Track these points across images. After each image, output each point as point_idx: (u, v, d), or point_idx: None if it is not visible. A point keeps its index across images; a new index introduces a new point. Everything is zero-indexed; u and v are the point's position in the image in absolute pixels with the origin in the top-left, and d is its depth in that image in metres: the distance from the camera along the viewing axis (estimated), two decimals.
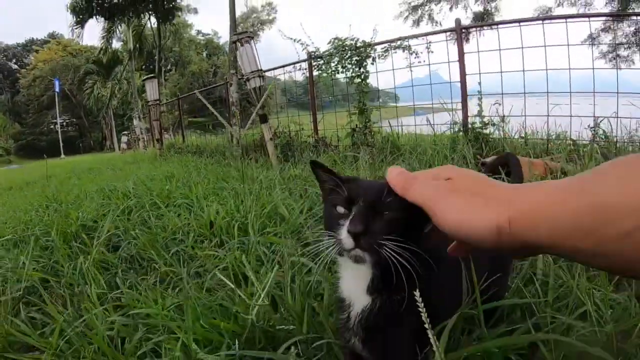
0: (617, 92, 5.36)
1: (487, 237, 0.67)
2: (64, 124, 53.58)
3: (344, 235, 0.87)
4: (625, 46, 15.71)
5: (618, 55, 16.00)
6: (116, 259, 2.51)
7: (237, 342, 1.21)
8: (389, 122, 6.80)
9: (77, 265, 2.36)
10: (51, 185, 6.88)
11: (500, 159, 3.43)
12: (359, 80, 6.51)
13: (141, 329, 1.53)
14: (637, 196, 0.52)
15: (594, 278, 1.65)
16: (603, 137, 5.21)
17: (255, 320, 1.30)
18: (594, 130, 5.25)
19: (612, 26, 14.20)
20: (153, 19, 20.02)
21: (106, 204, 3.85)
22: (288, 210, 2.71)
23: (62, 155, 37.00)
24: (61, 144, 40.52)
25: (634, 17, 14.33)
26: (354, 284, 1.04)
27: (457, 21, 6.34)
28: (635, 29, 14.81)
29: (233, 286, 1.49)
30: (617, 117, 5.26)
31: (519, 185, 0.71)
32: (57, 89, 44.02)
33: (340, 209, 0.92)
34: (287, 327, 1.25)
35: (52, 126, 52.02)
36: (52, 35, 56.71)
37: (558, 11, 17.93)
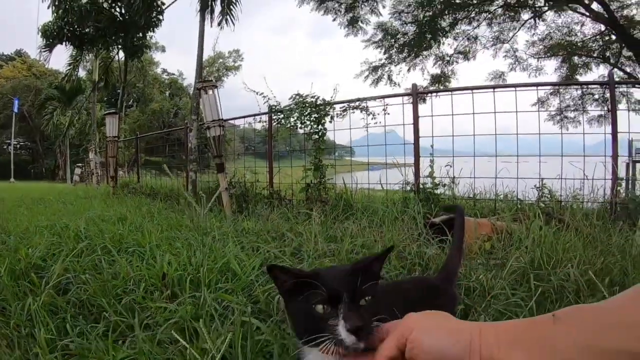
0: (562, 155, 5.76)
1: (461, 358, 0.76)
2: (18, 146, 52.07)
3: (343, 334, 0.87)
4: (572, 109, 16.69)
5: (565, 117, 16.98)
6: (65, 303, 2.52)
7: None
8: (343, 179, 6.99)
9: (26, 306, 2.36)
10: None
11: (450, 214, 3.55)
12: (317, 136, 6.70)
13: None
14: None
15: None
16: (548, 196, 5.57)
17: None
18: (540, 190, 5.59)
19: (560, 90, 15.10)
20: (121, 54, 20.00)
21: (57, 243, 3.83)
22: (240, 266, 2.81)
23: (12, 179, 35.82)
24: (12, 167, 39.22)
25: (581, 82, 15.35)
26: None
27: (414, 86, 6.71)
28: (581, 93, 15.77)
29: (186, 344, 1.56)
30: (561, 179, 5.66)
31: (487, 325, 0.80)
32: (15, 109, 42.79)
33: (323, 308, 0.92)
34: None
35: (5, 147, 50.42)
36: (18, 53, 55.57)
37: (511, 75, 18.98)
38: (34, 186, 18.69)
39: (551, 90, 17.00)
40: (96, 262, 3.21)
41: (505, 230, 3.82)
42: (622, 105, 14.82)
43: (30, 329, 2.16)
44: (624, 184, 5.90)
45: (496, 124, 6.23)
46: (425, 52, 19.73)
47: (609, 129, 5.85)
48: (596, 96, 16.45)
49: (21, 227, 4.86)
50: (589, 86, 15.51)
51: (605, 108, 14.89)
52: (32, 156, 53.98)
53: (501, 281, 2.60)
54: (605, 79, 11.32)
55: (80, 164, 28.95)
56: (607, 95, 12.05)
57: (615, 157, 5.61)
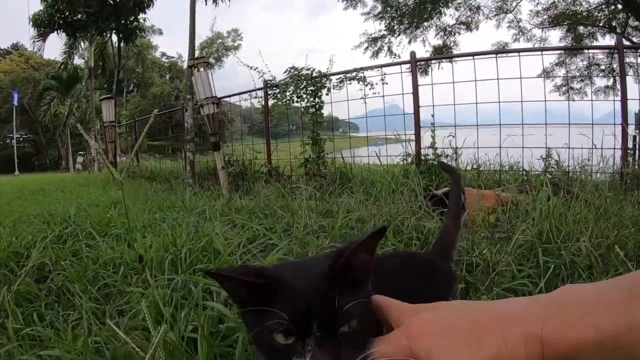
0: (569, 124, 5.52)
1: None
2: (21, 139, 52.16)
3: None
4: (578, 79, 16.34)
5: (571, 88, 16.62)
6: (42, 291, 2.41)
7: None
8: (341, 153, 6.83)
9: (0, 296, 2.25)
10: None
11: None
12: (314, 110, 6.54)
13: None
14: None
15: None
16: (555, 167, 5.30)
17: None
18: (546, 161, 5.33)
19: (565, 60, 14.81)
20: (115, 38, 19.83)
21: (43, 230, 3.72)
22: (225, 244, 2.66)
23: (17, 172, 35.91)
24: (16, 160, 39.31)
25: (587, 52, 14.96)
26: None
27: (412, 54, 6.47)
28: (587, 63, 15.43)
29: (124, 337, 1.41)
30: (569, 148, 5.38)
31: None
32: (15, 102, 42.71)
33: (283, 339, 0.67)
34: None
35: (7, 141, 50.54)
36: (15, 47, 55.34)
37: (514, 47, 18.58)
38: (37, 178, 18.66)
39: (556, 61, 16.63)
40: (77, 248, 3.08)
41: (511, 202, 3.64)
42: (628, 78, 14.44)
43: (3, 320, 2.04)
44: (636, 154, 5.65)
45: (499, 92, 5.98)
46: (426, 23, 19.40)
47: (617, 99, 5.58)
48: (602, 67, 16.04)
49: (13, 217, 4.75)
50: (596, 57, 15.12)
51: (612, 79, 14.64)
52: (35, 148, 54.03)
53: (506, 256, 2.39)
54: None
55: (82, 152, 28.97)
56: (615, 65, 11.78)
57: (625, 124, 5.36)
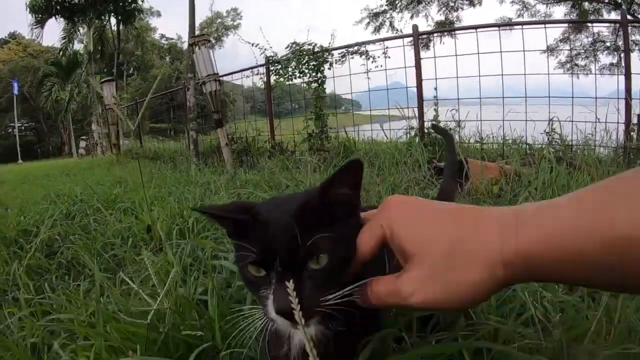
0: (572, 97, 5.48)
1: (477, 300, 0.61)
2: (22, 128, 52.08)
3: (272, 314, 0.69)
4: (583, 56, 16.16)
5: (576, 65, 16.42)
6: (53, 265, 2.43)
7: (137, 348, 1.15)
8: (345, 129, 6.81)
9: (11, 271, 2.27)
10: (2, 191, 6.68)
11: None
12: (316, 85, 6.51)
13: (62, 336, 1.47)
14: None
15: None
16: (558, 140, 5.27)
17: (167, 326, 1.25)
18: (549, 134, 5.31)
19: (570, 37, 14.63)
20: (114, 21, 19.67)
21: (50, 209, 3.74)
22: None
23: (20, 161, 35.91)
24: (19, 149, 39.32)
25: (592, 29, 14.79)
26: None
27: (415, 27, 6.41)
28: (592, 39, 15.26)
29: (134, 285, 1.41)
30: (572, 121, 5.34)
31: (510, 218, 0.59)
32: (15, 91, 42.52)
33: (255, 271, 0.72)
34: (193, 333, 1.20)
35: (9, 130, 50.48)
36: (12, 35, 54.97)
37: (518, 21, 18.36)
38: (40, 165, 18.70)
39: (561, 37, 16.42)
40: (86, 223, 3.10)
41: (514, 173, 3.62)
42: (633, 55, 14.23)
43: (15, 293, 2.06)
44: (637, 129, 5.59)
45: (502, 65, 5.91)
46: None
47: (621, 78, 5.51)
48: (608, 44, 15.83)
49: (19, 200, 4.77)
50: (601, 34, 14.90)
51: (617, 56, 14.44)
52: (37, 136, 53.92)
53: None
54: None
55: (84, 137, 28.97)
56: (620, 43, 11.60)
57: (629, 97, 5.30)
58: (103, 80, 11.13)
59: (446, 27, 19.10)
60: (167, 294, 1.33)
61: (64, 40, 25.34)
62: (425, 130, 5.85)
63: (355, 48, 6.65)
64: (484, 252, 0.58)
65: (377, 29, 19.91)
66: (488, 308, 1.35)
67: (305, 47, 6.64)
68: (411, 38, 6.35)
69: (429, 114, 6.03)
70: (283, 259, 0.68)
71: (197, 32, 7.17)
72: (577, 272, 0.53)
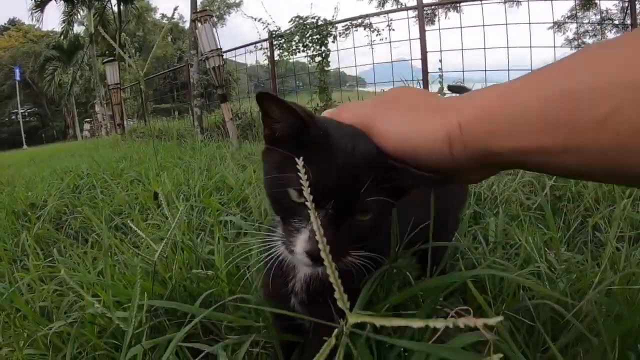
0: None
1: (437, 150, 0.59)
2: (26, 113, 52.02)
3: (298, 249, 0.65)
4: (591, 34, 15.94)
5: (583, 43, 16.20)
6: (61, 235, 2.43)
7: (145, 296, 1.15)
8: (349, 100, 6.78)
9: (21, 241, 2.28)
10: (8, 172, 6.71)
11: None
12: (320, 59, 6.47)
13: (71, 296, 1.47)
14: (612, 76, 0.46)
15: (548, 242, 1.59)
16: None
17: (173, 277, 1.25)
18: None
19: (577, 14, 14.40)
20: (114, 1, 19.53)
21: (58, 184, 3.74)
22: (237, 181, 2.66)
23: (25, 146, 35.98)
24: (23, 135, 39.39)
25: (599, 3, 14.56)
26: None
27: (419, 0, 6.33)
28: (600, 17, 15.04)
29: (140, 232, 1.41)
30: None
31: (468, 93, 0.64)
32: (17, 77, 42.48)
33: (295, 196, 0.66)
34: (202, 273, 1.20)
35: (13, 117, 50.49)
36: (12, 22, 54.71)
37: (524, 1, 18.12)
38: (45, 149, 18.74)
39: (568, 14, 16.19)
40: (93, 195, 3.10)
41: None
42: None
43: (25, 261, 2.07)
44: None
45: (508, 38, 5.83)
46: None
47: None
48: (616, 21, 15.58)
49: (26, 178, 4.79)
50: (609, 11, 14.65)
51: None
52: (41, 121, 53.85)
53: (514, 187, 2.37)
54: None
55: (88, 119, 28.94)
56: (628, 21, 11.40)
57: None
58: (105, 60, 11.08)
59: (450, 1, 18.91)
60: (174, 245, 1.32)
61: (64, 24, 25.20)
62: None
63: (360, 21, 6.60)
64: (441, 111, 0.61)
65: (382, 3, 19.76)
66: (493, 261, 1.35)
67: (309, 20, 6.59)
68: (415, 11, 6.28)
69: (433, 88, 5.98)
70: (340, 202, 0.64)
71: (199, 9, 7.11)
72: (526, 130, 0.52)
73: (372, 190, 0.64)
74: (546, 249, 1.46)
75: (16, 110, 47.09)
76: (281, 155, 0.68)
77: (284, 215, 0.70)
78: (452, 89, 1.68)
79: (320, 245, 0.57)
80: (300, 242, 0.65)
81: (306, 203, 0.59)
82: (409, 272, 1.15)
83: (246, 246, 1.47)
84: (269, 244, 0.75)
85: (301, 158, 0.60)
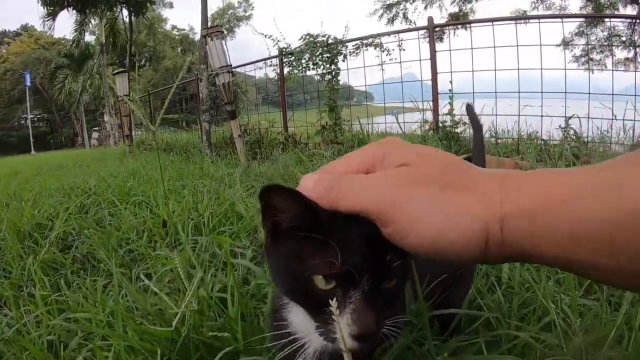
0: (589, 93, 5.40)
1: (472, 247, 0.50)
2: (35, 119, 52.38)
3: (344, 334, 0.60)
4: (598, 50, 15.95)
5: (591, 59, 16.18)
6: (68, 259, 2.41)
7: (158, 351, 1.13)
8: (359, 120, 6.76)
9: (26, 266, 2.26)
10: (16, 182, 6.71)
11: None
12: (330, 77, 6.47)
13: (80, 334, 1.45)
14: None
15: (562, 281, 1.55)
16: (574, 136, 5.16)
17: (187, 328, 1.23)
18: (565, 130, 5.20)
19: (585, 30, 14.39)
20: (126, 12, 19.67)
21: (64, 202, 3.73)
22: (246, 209, 2.63)
23: (33, 152, 36.20)
24: (32, 140, 39.66)
25: (607, 22, 14.56)
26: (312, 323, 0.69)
27: (430, 19, 6.35)
28: (608, 33, 15.04)
29: (158, 291, 1.39)
30: (589, 118, 5.26)
31: (514, 171, 0.53)
32: (28, 83, 42.80)
33: (323, 284, 0.61)
34: (217, 334, 1.17)
35: (22, 121, 50.83)
36: (24, 28, 55.26)
37: (533, 14, 18.19)
38: (53, 155, 18.83)
39: (576, 31, 16.19)
40: (100, 216, 3.09)
41: (530, 169, 3.57)
42: None
43: (31, 288, 2.05)
44: None
45: (519, 59, 5.81)
46: None
47: (637, 74, 5.41)
48: (623, 38, 15.58)
49: (33, 192, 4.78)
50: (617, 27, 14.66)
51: (633, 50, 14.22)
52: (50, 127, 54.18)
53: None
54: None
55: (97, 128, 29.18)
56: (636, 37, 11.39)
57: None
58: (115, 72, 11.12)
59: (460, 19, 18.98)
60: (191, 299, 1.30)
61: (75, 32, 25.45)
62: (440, 124, 5.79)
63: (370, 40, 6.61)
64: (479, 193, 0.51)
65: (391, 21, 19.94)
66: (509, 311, 1.33)
67: (319, 38, 6.60)
68: (426, 30, 6.28)
69: (443, 108, 5.98)
70: (372, 276, 0.61)
71: (209, 24, 7.14)
72: (580, 243, 0.44)
73: (394, 255, 0.61)
74: (561, 294, 1.43)
75: (26, 116, 47.42)
76: (295, 246, 0.64)
77: (313, 305, 0.65)
78: (469, 110, 1.62)
79: (369, 325, 0.58)
80: (345, 326, 0.60)
81: (323, 285, 0.60)
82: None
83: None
84: (297, 342, 0.71)
85: (330, 241, 0.58)
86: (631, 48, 14.75)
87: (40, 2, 18.23)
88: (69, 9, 18.43)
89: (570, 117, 5.13)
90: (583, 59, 15.46)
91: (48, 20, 21.01)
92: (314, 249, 0.61)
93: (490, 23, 6.01)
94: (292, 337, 0.73)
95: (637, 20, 6.11)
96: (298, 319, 0.72)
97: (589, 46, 14.59)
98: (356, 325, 0.59)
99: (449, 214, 0.51)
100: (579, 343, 1.09)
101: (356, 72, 6.74)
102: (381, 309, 0.63)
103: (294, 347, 0.74)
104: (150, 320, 1.34)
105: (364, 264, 0.60)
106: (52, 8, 18.64)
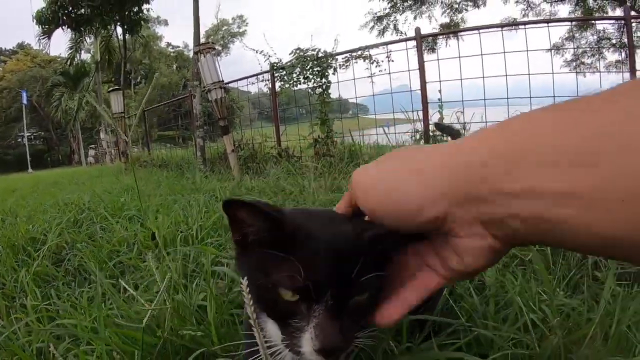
0: (578, 96, 5.45)
1: (427, 208, 0.51)
2: (32, 137, 52.39)
3: (307, 349, 0.62)
4: (589, 54, 16.10)
5: (582, 63, 16.33)
6: (60, 272, 2.46)
7: (135, 353, 1.18)
8: (351, 133, 6.81)
9: (19, 278, 2.31)
10: (12, 199, 6.74)
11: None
12: (321, 90, 6.53)
13: (67, 340, 1.50)
14: None
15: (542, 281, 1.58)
16: None
17: (165, 330, 1.28)
18: None
19: (575, 35, 14.56)
20: (120, 30, 19.80)
21: (58, 217, 3.78)
22: None
23: (30, 170, 36.12)
24: (29, 158, 39.61)
25: (597, 26, 14.73)
26: None
27: (417, 30, 6.42)
28: (597, 37, 15.18)
29: (133, 292, 1.45)
30: None
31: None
32: (24, 101, 42.83)
33: (289, 296, 0.63)
34: (192, 333, 1.22)
35: (19, 139, 50.84)
36: (20, 46, 55.43)
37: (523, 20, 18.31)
38: (50, 173, 18.82)
39: (566, 35, 16.36)
40: (93, 231, 3.14)
41: None
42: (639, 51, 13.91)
43: (23, 299, 2.10)
44: None
45: (506, 66, 5.89)
46: None
47: (627, 75, 5.49)
48: (613, 40, 15.71)
49: (28, 208, 4.82)
50: (606, 30, 14.82)
51: (623, 53, 14.36)
52: (47, 145, 54.23)
53: None
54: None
55: (93, 146, 29.20)
56: (625, 39, 11.50)
57: None
58: (110, 89, 11.20)
59: (451, 29, 19.10)
60: (166, 299, 1.35)
61: (71, 50, 25.53)
62: (430, 133, 5.85)
63: (359, 53, 6.67)
64: (437, 155, 0.54)
65: (382, 32, 20.11)
66: (485, 314, 1.37)
67: (309, 52, 6.67)
68: (414, 41, 6.37)
69: (434, 117, 6.04)
70: (336, 291, 0.62)
71: (202, 40, 7.23)
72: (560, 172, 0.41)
73: (363, 269, 0.63)
74: (541, 291, 1.46)
75: (22, 134, 47.41)
76: (261, 258, 0.66)
77: (279, 317, 0.67)
78: (438, 127, 1.63)
79: (337, 337, 0.60)
80: (307, 342, 0.62)
81: (290, 297, 0.62)
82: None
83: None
84: (272, 349, 0.71)
85: (291, 257, 0.61)
86: (621, 50, 14.86)
87: (35, 20, 18.37)
88: (64, 27, 18.56)
89: None
90: (574, 63, 15.62)
91: (44, 38, 21.10)
92: (278, 262, 0.63)
93: (477, 31, 6.09)
94: (267, 345, 0.72)
95: (625, 22, 6.13)
96: (272, 328, 0.72)
97: (580, 50, 14.73)
98: (318, 339, 0.61)
99: (398, 177, 0.55)
100: (555, 342, 1.13)
101: (348, 84, 6.80)
102: (351, 322, 0.64)
103: (268, 354, 0.73)
104: (132, 325, 1.39)
105: (327, 279, 0.61)
106: (47, 27, 18.76)
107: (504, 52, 5.84)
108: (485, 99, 6.03)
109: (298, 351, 0.63)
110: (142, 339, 1.22)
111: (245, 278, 0.63)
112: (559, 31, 16.33)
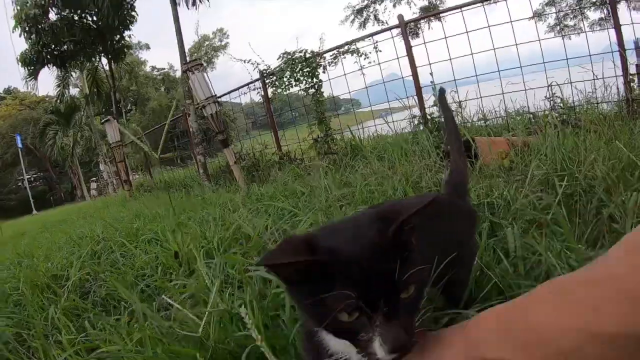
0: (567, 58, 5.44)
1: None
2: (32, 179, 52.41)
3: (380, 354, 0.68)
4: (571, 16, 16.02)
5: (566, 26, 16.24)
6: (88, 304, 2.47)
7: None
8: (349, 128, 6.80)
9: (49, 316, 2.32)
10: (24, 241, 6.77)
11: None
12: (313, 90, 6.54)
13: None
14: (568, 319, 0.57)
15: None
16: (560, 104, 5.22)
17: (212, 341, 1.29)
18: (550, 99, 5.27)
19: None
20: (105, 60, 19.81)
21: (75, 252, 3.79)
22: (253, 228, 2.69)
23: (34, 212, 36.13)
24: (31, 200, 39.61)
25: None
26: None
27: (400, 17, 6.40)
28: None
29: (179, 307, 1.46)
30: (571, 83, 5.31)
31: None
32: (19, 145, 42.85)
33: (349, 317, 0.69)
34: (243, 333, 1.23)
35: (19, 183, 50.84)
36: (7, 91, 55.45)
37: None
38: (55, 212, 18.88)
39: (546, 1, 16.28)
40: (113, 260, 3.15)
41: (523, 144, 3.60)
42: (620, 6, 13.84)
43: (57, 335, 2.11)
44: (637, 80, 5.50)
45: (492, 40, 5.88)
46: None
47: (612, 31, 5.45)
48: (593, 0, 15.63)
49: (43, 248, 4.84)
50: None
51: (605, 9, 14.29)
52: (48, 185, 54.21)
53: (525, 192, 2.31)
54: None
55: (94, 178, 29.24)
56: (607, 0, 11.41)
57: (621, 49, 5.24)
58: (103, 120, 11.21)
59: (432, 12, 19.08)
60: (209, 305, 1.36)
61: (59, 88, 25.60)
62: (428, 117, 5.85)
63: (346, 48, 6.67)
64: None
65: (363, 24, 20.07)
66: (516, 275, 1.39)
67: (297, 54, 6.67)
68: (399, 29, 6.37)
69: (429, 101, 6.04)
70: (386, 296, 0.68)
71: (188, 59, 7.24)
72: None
73: (402, 266, 0.68)
74: (566, 250, 1.48)
75: (22, 177, 47.43)
76: (311, 289, 0.71)
77: (350, 339, 0.72)
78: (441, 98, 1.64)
79: (404, 335, 0.68)
80: (379, 349, 0.68)
81: (350, 317, 0.69)
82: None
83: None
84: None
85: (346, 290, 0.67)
86: (602, 7, 14.77)
87: (20, 63, 18.39)
88: (49, 65, 18.56)
89: (549, 86, 5.20)
90: (558, 27, 15.53)
91: (30, 79, 21.10)
92: (327, 290, 0.68)
93: (459, 10, 6.09)
94: (333, 357, 0.80)
95: None
96: (336, 341, 0.77)
97: (561, 13, 14.66)
98: (387, 344, 0.67)
99: None
100: None
101: (339, 81, 6.80)
102: (408, 317, 0.71)
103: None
104: (177, 341, 1.40)
105: (375, 291, 0.68)
106: (32, 68, 18.77)
107: (489, 27, 5.83)
108: (477, 75, 6.03)
109: (377, 359, 0.69)
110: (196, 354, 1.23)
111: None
112: None
